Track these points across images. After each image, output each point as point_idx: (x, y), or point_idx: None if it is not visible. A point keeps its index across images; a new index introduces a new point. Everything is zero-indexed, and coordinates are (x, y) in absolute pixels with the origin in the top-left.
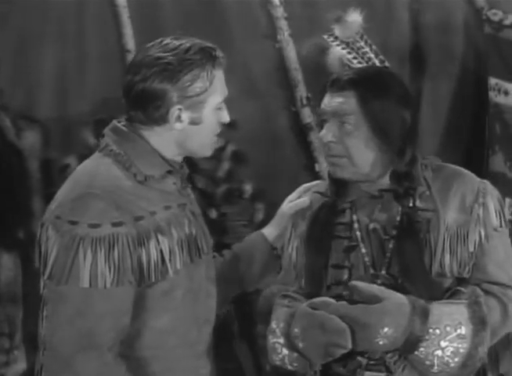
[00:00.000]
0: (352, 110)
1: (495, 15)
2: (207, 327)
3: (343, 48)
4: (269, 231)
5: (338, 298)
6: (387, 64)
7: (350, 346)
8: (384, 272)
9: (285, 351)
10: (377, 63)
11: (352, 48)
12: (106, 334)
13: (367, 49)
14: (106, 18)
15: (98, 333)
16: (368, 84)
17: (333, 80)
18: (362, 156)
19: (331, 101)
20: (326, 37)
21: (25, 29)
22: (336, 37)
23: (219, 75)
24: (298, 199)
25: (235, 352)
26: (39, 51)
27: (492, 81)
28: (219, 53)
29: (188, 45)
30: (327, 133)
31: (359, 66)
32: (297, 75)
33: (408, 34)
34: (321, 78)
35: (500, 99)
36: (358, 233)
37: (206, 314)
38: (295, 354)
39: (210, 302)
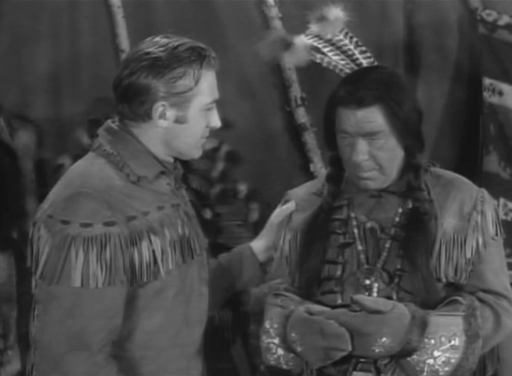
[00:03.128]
0: (381, 126)
1: (490, 15)
2: (199, 327)
3: (316, 42)
4: (258, 244)
5: (329, 293)
6: (368, 54)
7: (350, 348)
8: (379, 266)
9: (280, 351)
10: (357, 54)
11: (331, 44)
12: (97, 335)
13: (346, 41)
14: (100, 18)
15: (88, 333)
16: (389, 95)
17: (347, 94)
18: (392, 164)
19: (356, 120)
20: (305, 36)
21: (18, 28)
22: (317, 36)
23: (208, 76)
24: (283, 206)
25: (229, 353)
26: (33, 51)
27: (487, 81)
28: (210, 54)
29: (177, 42)
30: (360, 153)
31: (336, 58)
32: (292, 75)
33: (402, 34)
34: (316, 79)
35: (494, 99)
36: (355, 231)
37: (197, 315)
38: (291, 354)
39: (202, 303)
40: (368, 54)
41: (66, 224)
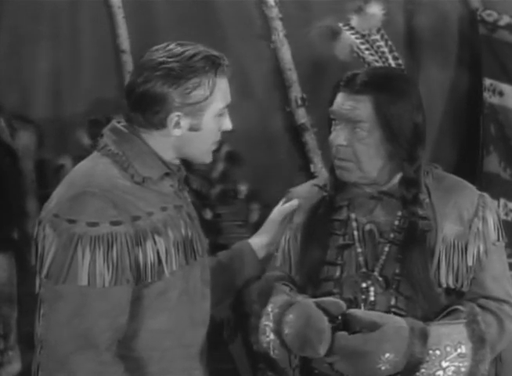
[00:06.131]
0: (367, 116)
1: (490, 16)
2: (202, 328)
3: (357, 38)
4: (257, 241)
5: (328, 294)
6: (400, 62)
7: (321, 352)
8: (376, 273)
9: (272, 336)
10: (390, 59)
11: (367, 41)
12: (103, 334)
13: (382, 43)
14: (100, 18)
15: (95, 332)
16: (384, 90)
17: (348, 79)
18: (370, 162)
19: (345, 103)
20: (341, 25)
21: (19, 29)
22: (352, 28)
23: (221, 83)
24: (286, 203)
25: (229, 353)
26: (33, 51)
27: (487, 81)
28: (224, 62)
29: (192, 52)
30: (338, 136)
31: (371, 58)
32: (292, 76)
33: (402, 34)
34: (316, 79)
35: (495, 99)
36: (355, 232)
37: (201, 316)
38: (278, 341)
39: (205, 304)
40: (399, 61)
41: (72, 223)
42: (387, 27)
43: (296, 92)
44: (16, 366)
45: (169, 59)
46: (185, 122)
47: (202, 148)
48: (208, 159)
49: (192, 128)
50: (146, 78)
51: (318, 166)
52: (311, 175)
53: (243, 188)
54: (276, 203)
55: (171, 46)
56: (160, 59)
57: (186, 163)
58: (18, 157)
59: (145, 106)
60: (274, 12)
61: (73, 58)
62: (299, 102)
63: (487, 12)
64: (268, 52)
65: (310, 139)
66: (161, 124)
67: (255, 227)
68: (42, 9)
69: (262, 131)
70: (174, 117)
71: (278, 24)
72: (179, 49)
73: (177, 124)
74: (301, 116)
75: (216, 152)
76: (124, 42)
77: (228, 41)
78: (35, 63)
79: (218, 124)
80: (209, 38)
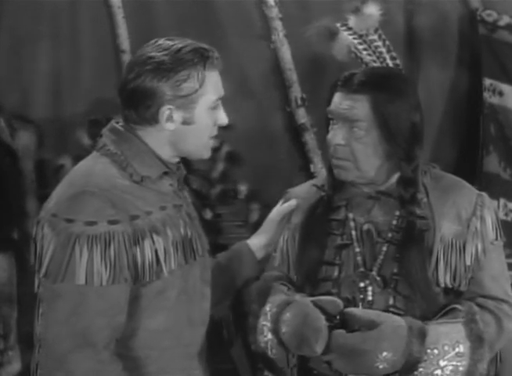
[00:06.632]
0: (365, 116)
1: (490, 16)
2: (201, 328)
3: (354, 39)
4: (255, 241)
5: (326, 294)
6: (398, 62)
7: (318, 350)
8: (374, 273)
9: (270, 335)
10: (388, 59)
11: (364, 41)
12: (101, 332)
13: (379, 43)
14: (100, 18)
15: (93, 331)
16: (382, 89)
17: (346, 78)
18: (368, 161)
19: (342, 103)
20: (339, 25)
21: (19, 29)
22: (349, 28)
23: (212, 76)
24: (284, 204)
25: (230, 354)
26: (33, 51)
27: (487, 81)
28: (213, 54)
29: (180, 45)
30: (336, 136)
31: (369, 58)
32: (292, 76)
33: (402, 34)
34: (316, 79)
35: (495, 99)
36: (353, 232)
37: (200, 316)
38: (276, 340)
39: (204, 304)
40: (397, 61)
41: (70, 222)
42: (386, 27)
43: (296, 92)
44: (16, 366)
45: (158, 54)
46: (177, 115)
47: (197, 143)
48: (206, 154)
49: (185, 122)
50: (137, 74)
51: (318, 166)
52: (311, 175)
53: (243, 188)
54: (276, 203)
55: (160, 41)
56: (149, 54)
57: (186, 163)
58: (18, 157)
59: (136, 102)
60: (274, 12)
61: (73, 58)
62: (299, 102)
63: (487, 12)
64: (268, 52)
65: (310, 139)
66: (154, 119)
67: (255, 227)
68: (42, 9)
69: (262, 131)
70: (165, 110)
71: (278, 24)
72: (168, 43)
73: (169, 118)
74: (301, 116)
75: (216, 152)
76: (124, 42)
77: (228, 41)
78: (35, 63)
79: (212, 118)
80: (209, 38)
